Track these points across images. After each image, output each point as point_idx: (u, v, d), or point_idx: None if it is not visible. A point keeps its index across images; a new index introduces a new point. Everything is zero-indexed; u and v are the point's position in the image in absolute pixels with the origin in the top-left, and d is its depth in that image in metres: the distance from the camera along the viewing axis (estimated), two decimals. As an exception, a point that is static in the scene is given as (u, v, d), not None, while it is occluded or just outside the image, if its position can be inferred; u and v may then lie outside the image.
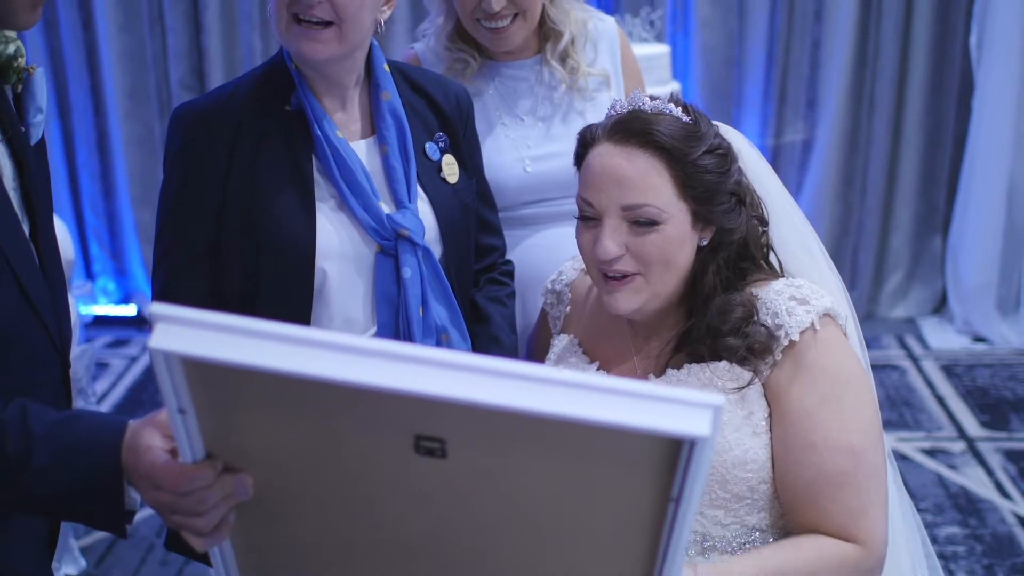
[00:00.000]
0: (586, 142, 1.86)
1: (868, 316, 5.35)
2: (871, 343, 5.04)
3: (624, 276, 1.80)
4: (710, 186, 1.80)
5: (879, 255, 5.34)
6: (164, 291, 2.06)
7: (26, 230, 1.64)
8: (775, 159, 5.23)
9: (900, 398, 4.56)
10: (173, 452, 1.34)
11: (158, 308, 1.16)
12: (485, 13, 2.45)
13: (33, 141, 1.69)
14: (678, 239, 1.80)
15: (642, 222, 1.78)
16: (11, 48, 1.65)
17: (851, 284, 5.33)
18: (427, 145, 2.15)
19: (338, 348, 1.11)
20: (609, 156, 1.80)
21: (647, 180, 1.78)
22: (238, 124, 2.03)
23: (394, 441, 1.16)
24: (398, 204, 2.07)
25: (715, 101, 5.14)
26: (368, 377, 1.09)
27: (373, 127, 2.12)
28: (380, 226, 2.03)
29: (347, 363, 1.10)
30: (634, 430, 1.06)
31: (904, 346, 5.07)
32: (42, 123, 1.71)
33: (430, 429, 1.14)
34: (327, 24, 1.97)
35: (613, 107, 1.86)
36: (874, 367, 4.78)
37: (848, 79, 5.09)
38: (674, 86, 4.54)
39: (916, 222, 5.32)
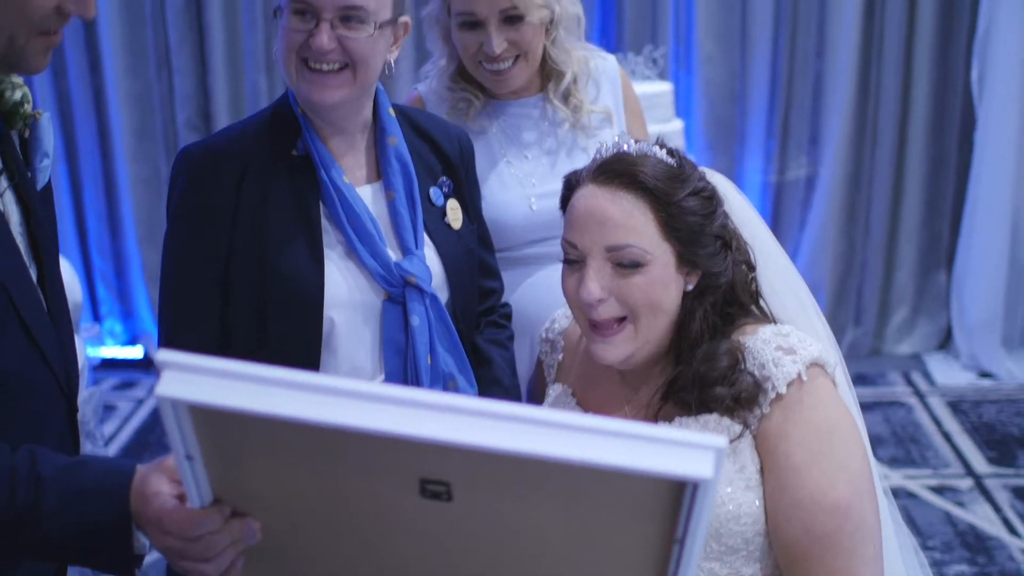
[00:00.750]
0: (571, 185, 1.87)
1: (874, 352, 5.35)
2: (877, 379, 5.04)
3: (612, 324, 1.80)
4: (694, 228, 1.79)
5: (884, 291, 5.34)
6: (170, 336, 2.04)
7: (33, 275, 1.65)
8: (778, 196, 5.25)
9: (906, 435, 4.55)
10: (181, 497, 1.36)
11: (165, 355, 1.17)
12: (486, 56, 2.47)
13: (39, 186, 1.71)
14: (663, 281, 1.79)
15: (626, 264, 1.77)
16: (17, 94, 1.67)
17: (856, 320, 5.33)
18: (431, 190, 2.15)
19: (343, 393, 1.12)
20: (593, 197, 1.80)
21: (630, 221, 1.77)
22: (245, 166, 2.02)
23: (400, 485, 1.17)
24: (405, 251, 2.07)
25: (718, 138, 5.16)
26: (373, 422, 1.10)
27: (379, 172, 2.11)
28: (388, 273, 2.02)
29: (352, 408, 1.11)
30: (637, 473, 1.07)
31: (910, 382, 5.06)
32: (48, 168, 1.73)
33: (435, 473, 1.15)
34: (339, 69, 1.98)
35: (598, 151, 1.87)
36: (880, 404, 4.78)
37: (850, 114, 5.10)
38: (677, 124, 4.55)
39: (920, 258, 5.33)
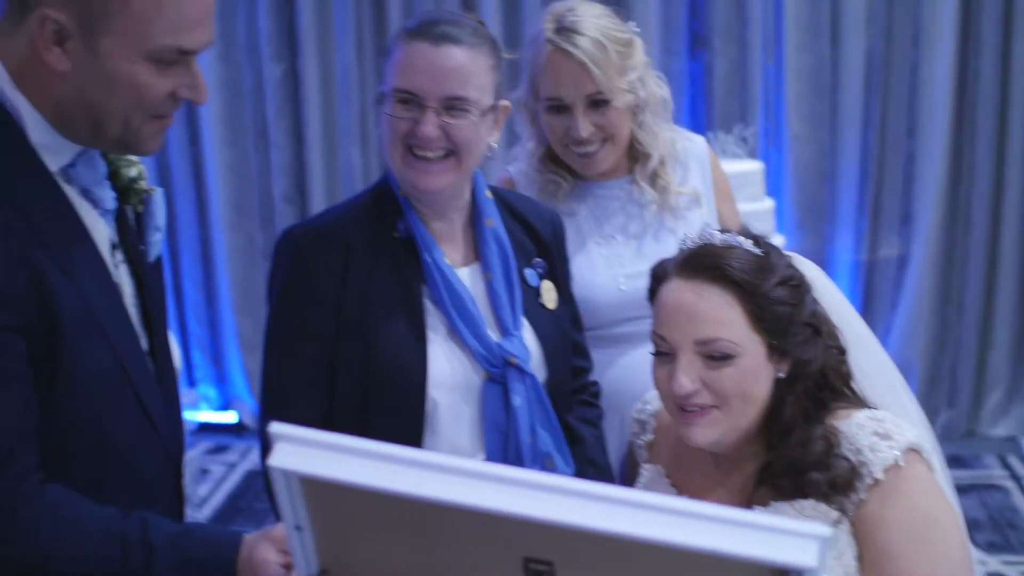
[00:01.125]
0: (658, 277, 1.87)
1: (968, 434, 5.23)
2: (972, 462, 4.94)
3: (701, 408, 1.80)
4: (783, 318, 1.79)
5: (978, 372, 5.24)
6: (274, 417, 2.04)
7: (144, 345, 1.71)
8: (870, 275, 5.20)
9: (1004, 519, 4.44)
10: (287, 566, 1.39)
11: (278, 427, 1.21)
12: (573, 139, 2.51)
13: (151, 259, 1.77)
14: (754, 372, 1.79)
15: (716, 356, 1.78)
16: (133, 171, 1.74)
17: (950, 402, 5.24)
18: (526, 271, 2.17)
19: (451, 471, 1.15)
20: (680, 292, 1.81)
21: (719, 315, 1.78)
22: (348, 248, 2.05)
23: (503, 562, 1.19)
24: (504, 331, 2.08)
25: (808, 217, 5.14)
26: (480, 500, 1.12)
27: (476, 253, 2.14)
28: (490, 354, 2.04)
29: (459, 486, 1.14)
30: (741, 559, 1.08)
31: (1006, 465, 4.94)
32: (160, 242, 1.79)
33: (539, 552, 1.16)
34: (444, 156, 2.01)
35: (684, 242, 1.88)
36: (976, 487, 4.68)
37: (943, 193, 5.05)
38: (767, 203, 4.56)
39: (1015, 338, 5.22)
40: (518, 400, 2.05)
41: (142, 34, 1.52)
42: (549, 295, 2.20)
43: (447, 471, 1.14)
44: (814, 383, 1.83)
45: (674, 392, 1.80)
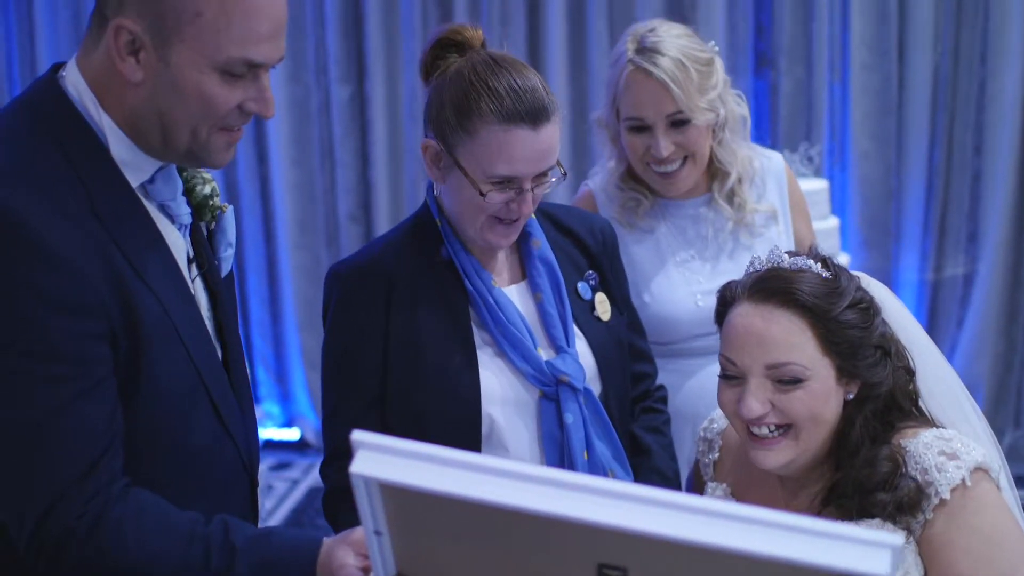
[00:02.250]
0: (726, 301, 1.88)
1: (1035, 455, 5.18)
2: (1040, 484, 4.87)
3: (772, 435, 1.81)
4: (854, 341, 1.80)
5: (1045, 392, 5.19)
6: (338, 449, 2.09)
7: (219, 356, 1.75)
8: (935, 293, 5.16)
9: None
10: (366, 570, 1.42)
11: (359, 435, 1.24)
12: (654, 158, 2.52)
13: (223, 273, 1.81)
14: (823, 395, 1.80)
15: (787, 380, 1.79)
16: (207, 189, 1.79)
17: (1016, 421, 5.17)
18: (579, 285, 2.19)
19: (527, 478, 1.17)
20: (750, 316, 1.82)
21: (789, 339, 1.79)
22: (391, 279, 2.08)
23: (578, 568, 1.20)
24: (556, 349, 2.10)
25: (874, 235, 5.11)
26: (555, 507, 1.14)
27: (524, 271, 2.16)
28: (540, 373, 2.06)
29: (535, 493, 1.16)
30: (814, 567, 1.09)
31: (1074, 487, 4.87)
32: (231, 257, 1.84)
33: (614, 558, 1.18)
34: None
35: (752, 264, 1.88)
36: (1044, 508, 4.53)
37: (1010, 212, 5.00)
38: (832, 221, 4.55)
39: (1084, 358, 5.17)
40: (571, 417, 2.07)
41: (212, 45, 1.56)
42: (603, 307, 2.21)
43: (524, 479, 1.16)
44: (883, 404, 1.83)
45: (743, 416, 1.81)
